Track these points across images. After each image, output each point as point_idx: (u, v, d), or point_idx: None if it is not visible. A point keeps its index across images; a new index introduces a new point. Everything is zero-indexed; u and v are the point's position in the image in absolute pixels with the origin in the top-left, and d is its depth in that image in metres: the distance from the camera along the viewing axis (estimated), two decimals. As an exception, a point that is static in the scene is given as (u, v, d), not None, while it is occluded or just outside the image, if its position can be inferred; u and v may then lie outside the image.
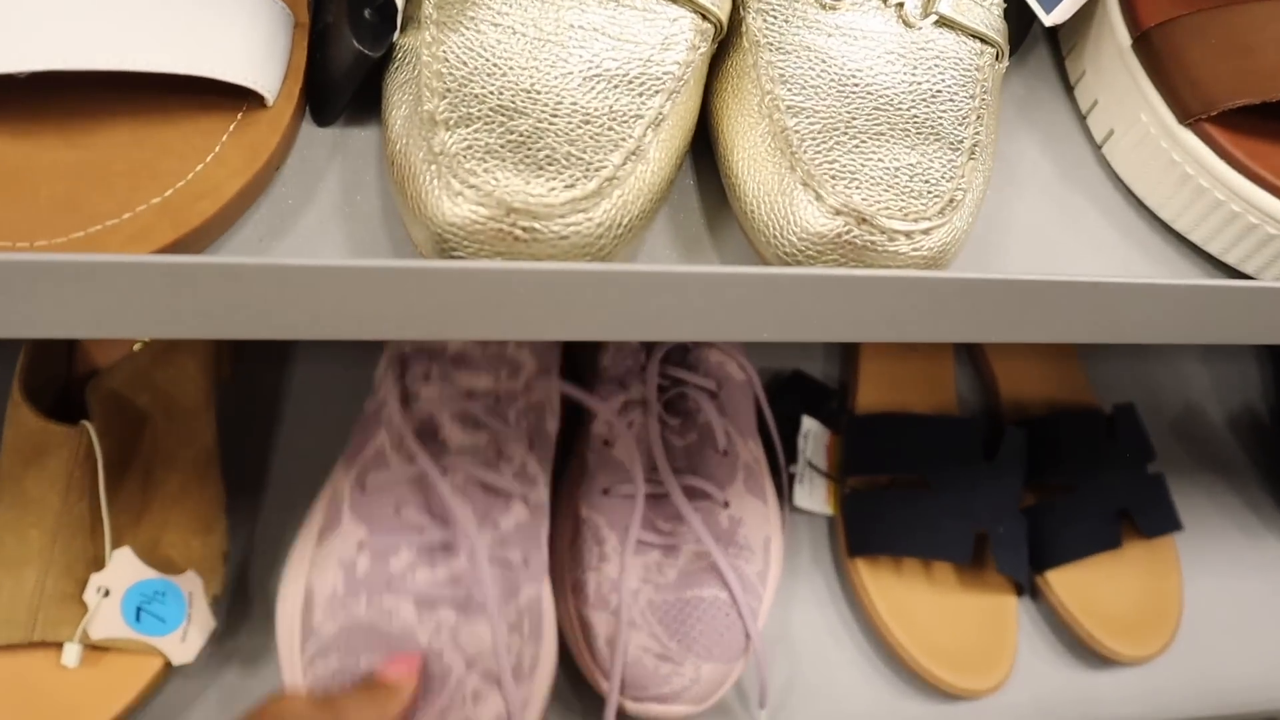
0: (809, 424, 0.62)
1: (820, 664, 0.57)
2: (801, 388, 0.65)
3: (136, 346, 0.54)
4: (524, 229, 0.28)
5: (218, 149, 0.31)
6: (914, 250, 0.31)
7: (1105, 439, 0.62)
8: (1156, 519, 0.61)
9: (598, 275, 0.27)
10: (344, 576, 0.46)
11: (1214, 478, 0.70)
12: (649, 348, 0.58)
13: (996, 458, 0.59)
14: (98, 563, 0.50)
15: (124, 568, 0.49)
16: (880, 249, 0.31)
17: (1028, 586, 0.60)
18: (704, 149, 0.36)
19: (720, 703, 0.54)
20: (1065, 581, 0.60)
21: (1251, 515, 0.68)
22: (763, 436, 0.59)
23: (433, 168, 0.28)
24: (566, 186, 0.28)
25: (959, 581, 0.59)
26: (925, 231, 0.31)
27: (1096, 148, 0.41)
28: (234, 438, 0.58)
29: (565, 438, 0.62)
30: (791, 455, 0.62)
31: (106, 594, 0.49)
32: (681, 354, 0.58)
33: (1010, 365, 0.69)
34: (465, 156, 0.28)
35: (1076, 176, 0.40)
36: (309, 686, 0.45)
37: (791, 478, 0.61)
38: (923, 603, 0.58)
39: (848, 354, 0.69)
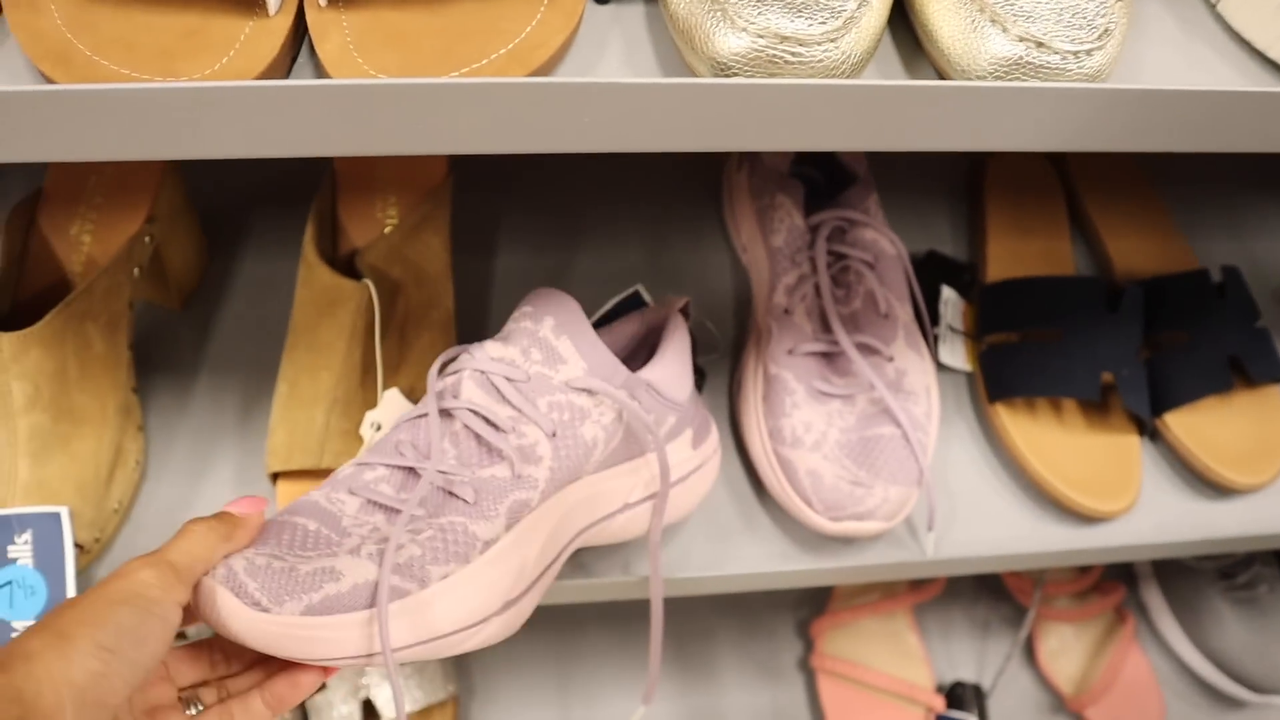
0: (948, 293, 0.71)
1: (971, 496, 0.66)
2: (938, 263, 0.74)
3: (387, 229, 0.64)
4: (792, 54, 0.37)
5: (540, 14, 0.40)
6: (1079, 68, 0.40)
7: (1214, 298, 0.70)
8: (1265, 366, 0.68)
9: (856, 89, 0.37)
10: None
11: (1314, 340, 0.77)
12: (814, 230, 0.67)
13: (1118, 310, 0.67)
14: (368, 403, 0.61)
15: (393, 405, 0.60)
16: (1052, 68, 0.39)
17: (1149, 427, 0.68)
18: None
19: (891, 533, 0.64)
20: (1182, 422, 0.68)
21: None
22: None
23: (716, 13, 0.38)
24: (820, 23, 0.38)
25: (1087, 422, 0.67)
26: (1088, 53, 0.39)
27: (1212, 7, 0.49)
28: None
29: (745, 307, 0.72)
30: (934, 320, 0.71)
31: (379, 428, 0.60)
32: (840, 234, 0.67)
33: (1123, 242, 0.76)
34: (742, 4, 0.38)
35: (1196, 30, 0.48)
36: None
37: (935, 339, 0.70)
38: (1057, 439, 0.66)
39: (975, 236, 0.78)
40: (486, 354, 0.49)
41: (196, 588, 0.41)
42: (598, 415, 0.50)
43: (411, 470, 0.47)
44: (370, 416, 0.60)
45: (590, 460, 0.50)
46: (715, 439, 0.59)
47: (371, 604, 0.42)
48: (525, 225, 0.76)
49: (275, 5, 0.39)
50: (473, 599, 0.45)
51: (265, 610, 0.41)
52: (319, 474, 0.60)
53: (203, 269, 0.71)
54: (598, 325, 0.60)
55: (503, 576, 0.46)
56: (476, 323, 0.70)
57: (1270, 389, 0.70)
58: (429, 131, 0.37)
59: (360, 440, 0.60)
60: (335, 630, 0.42)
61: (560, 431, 0.49)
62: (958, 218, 0.80)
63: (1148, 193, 0.80)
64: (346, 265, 0.63)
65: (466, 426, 0.48)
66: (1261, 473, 0.67)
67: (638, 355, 0.61)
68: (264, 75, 0.38)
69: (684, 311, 0.58)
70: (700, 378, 0.62)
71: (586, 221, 0.76)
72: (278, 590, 0.41)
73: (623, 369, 0.51)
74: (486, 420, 0.48)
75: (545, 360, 0.49)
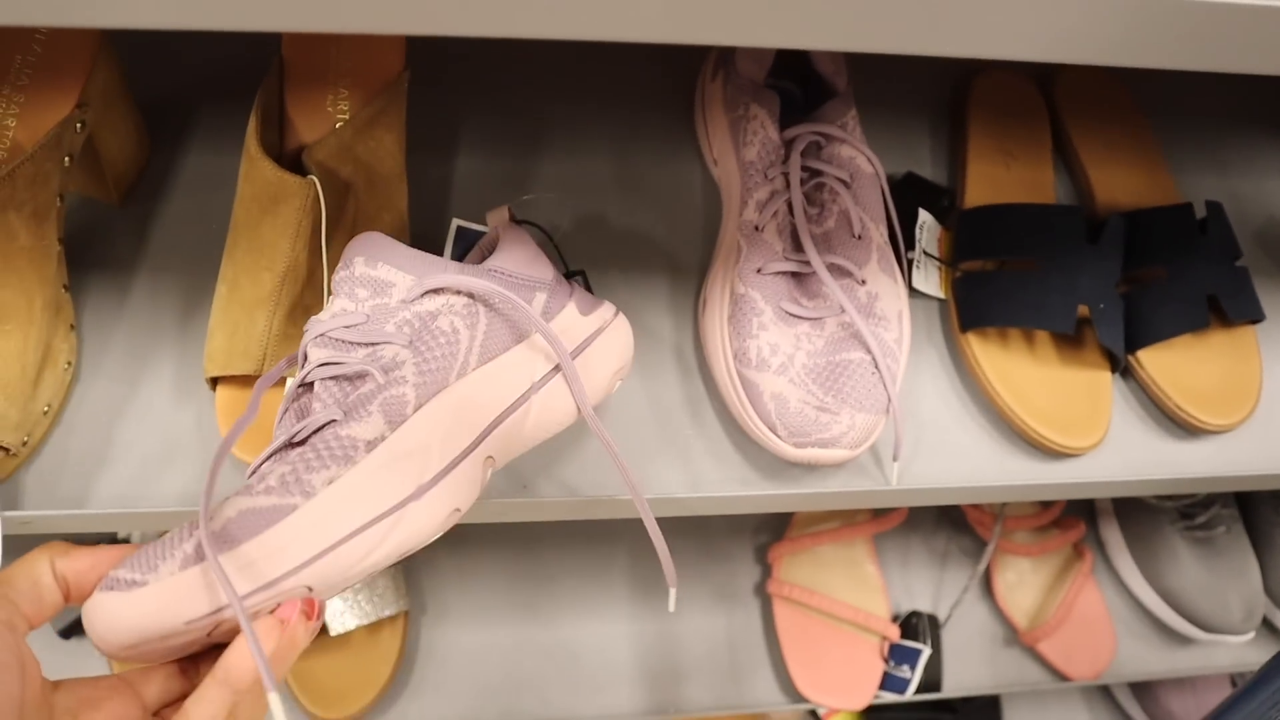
0: (924, 216, 0.68)
1: (939, 427, 0.64)
2: (916, 186, 0.71)
3: (338, 124, 0.60)
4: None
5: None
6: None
7: (1196, 233, 0.68)
8: (1242, 305, 0.66)
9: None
10: None
11: (1293, 281, 0.75)
12: (789, 145, 0.63)
13: (1099, 241, 0.65)
14: (309, 309, 0.57)
15: (340, 312, 0.57)
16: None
17: (1122, 362, 0.66)
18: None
19: (855, 461, 0.62)
20: (1155, 360, 0.66)
21: (1327, 315, 0.74)
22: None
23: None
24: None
25: (1059, 355, 0.65)
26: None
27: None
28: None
29: (715, 223, 0.69)
30: (909, 245, 0.68)
31: (324, 336, 0.57)
32: (816, 150, 0.64)
33: (1106, 171, 0.74)
34: None
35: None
36: None
37: (910, 263, 0.67)
38: (1028, 372, 0.64)
39: (955, 160, 0.75)
40: (318, 319, 0.48)
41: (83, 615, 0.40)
42: (448, 308, 0.49)
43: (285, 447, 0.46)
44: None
45: (460, 349, 0.49)
46: (610, 308, 0.57)
47: (253, 532, 0.41)
48: (485, 126, 0.72)
49: None
50: (370, 494, 0.43)
51: (142, 584, 0.39)
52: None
53: (143, 162, 0.67)
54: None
55: (400, 469, 0.45)
56: (431, 228, 0.66)
57: (1245, 330, 0.69)
58: (377, 7, 0.33)
59: (304, 347, 0.57)
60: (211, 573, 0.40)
61: (415, 338, 0.48)
62: (939, 140, 0.77)
63: (1136, 120, 0.78)
64: (294, 162, 0.59)
65: (324, 381, 0.47)
66: (1231, 414, 0.65)
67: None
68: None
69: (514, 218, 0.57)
70: (585, 279, 0.63)
71: (550, 125, 0.72)
72: (149, 560, 0.40)
73: (453, 264, 0.50)
74: (338, 366, 0.47)
75: (374, 293, 0.48)
